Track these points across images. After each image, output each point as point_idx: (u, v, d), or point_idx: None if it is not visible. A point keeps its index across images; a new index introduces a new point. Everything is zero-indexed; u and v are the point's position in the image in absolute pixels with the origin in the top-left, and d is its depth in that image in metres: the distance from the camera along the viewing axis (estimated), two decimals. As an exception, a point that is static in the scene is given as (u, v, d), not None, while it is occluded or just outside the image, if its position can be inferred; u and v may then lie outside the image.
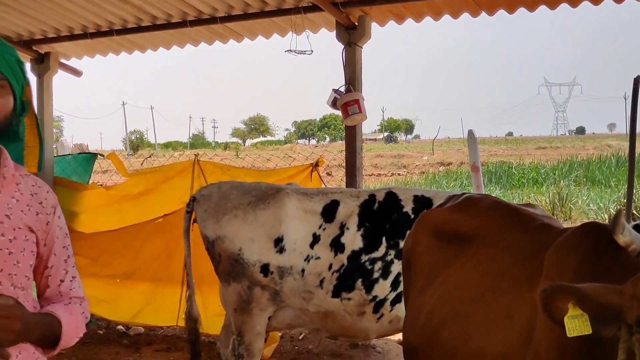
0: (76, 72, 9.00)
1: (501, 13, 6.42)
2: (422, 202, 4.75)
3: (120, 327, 7.92)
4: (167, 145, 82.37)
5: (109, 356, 6.94)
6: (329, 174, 25.75)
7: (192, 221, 5.10)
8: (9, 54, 2.17)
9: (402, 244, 4.58)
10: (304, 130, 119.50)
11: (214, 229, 4.79)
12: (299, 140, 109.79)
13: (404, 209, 4.74)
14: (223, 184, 5.06)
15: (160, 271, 7.37)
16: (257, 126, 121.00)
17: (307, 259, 4.66)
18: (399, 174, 32.53)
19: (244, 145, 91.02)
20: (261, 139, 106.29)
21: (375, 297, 4.64)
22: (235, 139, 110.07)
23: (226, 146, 73.14)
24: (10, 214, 2.15)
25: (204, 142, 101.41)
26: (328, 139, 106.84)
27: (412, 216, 4.65)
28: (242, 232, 4.70)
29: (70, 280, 2.34)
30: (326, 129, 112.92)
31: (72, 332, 2.20)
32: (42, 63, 8.30)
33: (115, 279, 7.66)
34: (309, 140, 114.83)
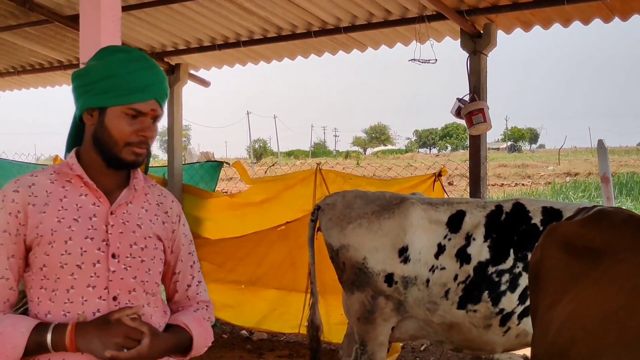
0: (204, 83, 9.28)
1: (635, 18, 6.16)
2: (551, 214, 4.61)
3: (244, 332, 8.11)
4: (289, 154, 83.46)
5: (233, 360, 7.10)
6: (450, 184, 25.45)
7: (316, 230, 5.16)
8: (167, 84, 2.27)
9: (530, 256, 4.48)
10: (425, 139, 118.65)
11: (339, 237, 4.81)
12: (420, 149, 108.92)
13: (532, 221, 4.61)
14: (347, 193, 5.08)
15: (284, 278, 7.49)
16: (378, 135, 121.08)
17: (432, 269, 4.61)
18: (522, 184, 31.73)
19: (365, 154, 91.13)
20: (382, 147, 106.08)
21: (502, 309, 4.53)
22: (356, 148, 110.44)
23: (347, 155, 73.48)
24: (141, 224, 2.24)
25: (325, 151, 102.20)
26: (449, 148, 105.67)
27: (541, 228, 4.51)
28: (366, 241, 4.70)
29: (197, 285, 2.45)
30: (447, 138, 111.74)
31: (202, 342, 2.32)
32: (173, 74, 8.59)
33: (240, 285, 7.85)
34: (430, 149, 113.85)
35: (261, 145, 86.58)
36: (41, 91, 10.88)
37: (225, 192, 9.65)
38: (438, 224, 4.67)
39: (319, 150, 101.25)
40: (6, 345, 2.02)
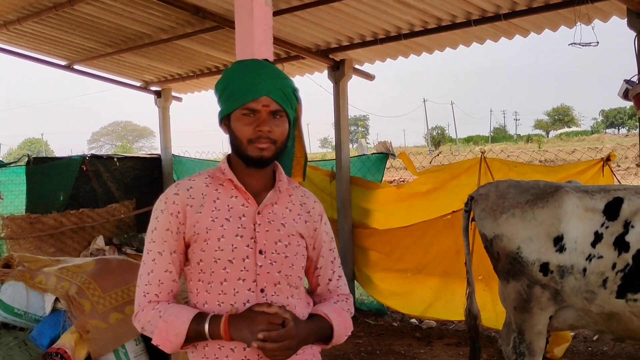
0: (369, 77, 9.47)
1: None
2: None
3: (413, 320, 8.23)
4: (468, 140, 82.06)
5: (402, 348, 7.25)
6: (639, 165, 24.04)
7: (470, 220, 5.20)
8: (286, 87, 2.42)
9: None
10: (613, 118, 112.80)
11: (492, 227, 4.84)
12: (607, 130, 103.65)
13: (698, 207, 4.42)
14: (500, 183, 5.09)
15: (449, 267, 7.54)
16: (561, 117, 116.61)
17: (589, 258, 4.52)
18: None
19: (547, 137, 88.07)
20: (566, 129, 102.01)
21: (664, 299, 4.38)
22: (538, 131, 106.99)
23: (528, 139, 71.40)
24: (285, 223, 2.44)
25: (505, 136, 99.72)
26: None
27: None
28: (520, 230, 4.69)
29: (337, 279, 2.62)
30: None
31: (342, 331, 2.48)
32: (338, 70, 8.84)
33: (407, 273, 7.99)
34: (619, 129, 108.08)
35: (439, 132, 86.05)
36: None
37: (391, 182, 9.79)
38: (594, 212, 4.57)
39: (498, 135, 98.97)
40: (170, 333, 2.29)
